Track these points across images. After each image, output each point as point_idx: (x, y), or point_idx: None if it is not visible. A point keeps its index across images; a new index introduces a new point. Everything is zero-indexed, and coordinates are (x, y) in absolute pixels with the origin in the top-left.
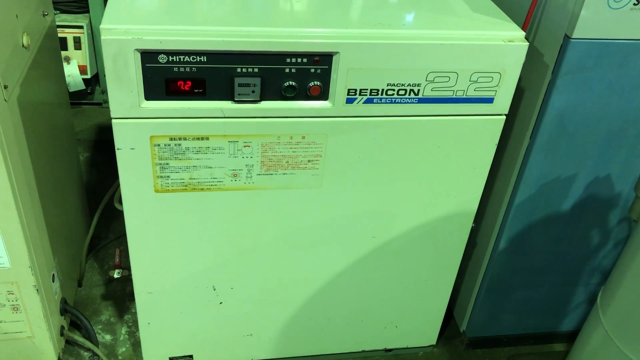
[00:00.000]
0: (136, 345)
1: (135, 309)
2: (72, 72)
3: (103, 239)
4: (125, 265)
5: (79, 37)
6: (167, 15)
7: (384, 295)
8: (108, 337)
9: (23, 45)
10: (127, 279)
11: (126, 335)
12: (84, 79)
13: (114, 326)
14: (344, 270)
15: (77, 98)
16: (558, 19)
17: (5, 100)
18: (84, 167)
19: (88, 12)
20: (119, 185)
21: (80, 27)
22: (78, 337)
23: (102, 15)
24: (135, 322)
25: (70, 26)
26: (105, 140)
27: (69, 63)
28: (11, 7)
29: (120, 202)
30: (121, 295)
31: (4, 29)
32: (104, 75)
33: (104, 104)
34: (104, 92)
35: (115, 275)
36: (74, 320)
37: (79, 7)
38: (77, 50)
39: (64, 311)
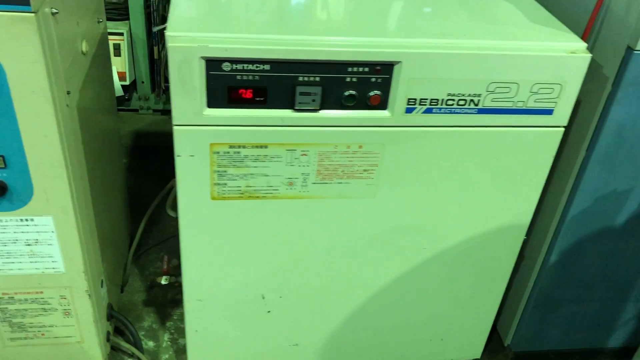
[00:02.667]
0: (179, 352)
1: (177, 315)
2: None
3: (143, 245)
4: (172, 273)
5: (119, 44)
6: (229, 23)
7: (432, 308)
8: (151, 344)
9: (82, 51)
10: (169, 286)
11: (169, 342)
12: (122, 86)
13: (156, 332)
14: (393, 282)
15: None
16: (619, 30)
17: (67, 105)
18: (123, 172)
19: (128, 19)
20: (168, 191)
21: (121, 34)
22: (124, 343)
23: (142, 22)
24: (177, 329)
25: (111, 33)
26: (142, 147)
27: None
28: (74, 15)
29: (173, 209)
30: (162, 302)
31: (68, 36)
32: (142, 82)
33: (140, 111)
34: (141, 98)
35: (163, 282)
36: (117, 326)
37: (119, 14)
38: (117, 57)
39: (110, 317)
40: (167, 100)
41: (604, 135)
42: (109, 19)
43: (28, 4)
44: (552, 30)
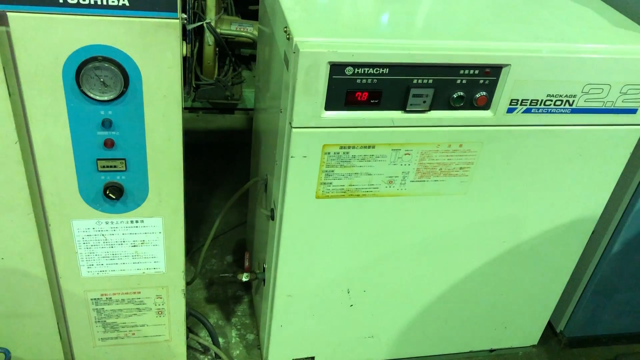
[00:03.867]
0: (248, 348)
1: (240, 312)
2: None
3: (195, 243)
4: (226, 270)
5: None
6: (348, 28)
7: (500, 298)
8: (220, 341)
9: (185, 54)
10: (227, 282)
11: (237, 338)
12: None
13: (223, 329)
14: (470, 274)
15: None
16: None
17: (183, 107)
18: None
19: None
20: (243, 191)
21: None
22: (202, 340)
23: None
24: (243, 325)
25: None
26: None
27: None
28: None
29: (265, 207)
30: (224, 299)
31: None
32: None
33: None
34: None
35: (244, 279)
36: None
37: None
38: None
39: (188, 314)
40: (196, 98)
41: None
42: None
43: (175, 10)
44: (635, 33)
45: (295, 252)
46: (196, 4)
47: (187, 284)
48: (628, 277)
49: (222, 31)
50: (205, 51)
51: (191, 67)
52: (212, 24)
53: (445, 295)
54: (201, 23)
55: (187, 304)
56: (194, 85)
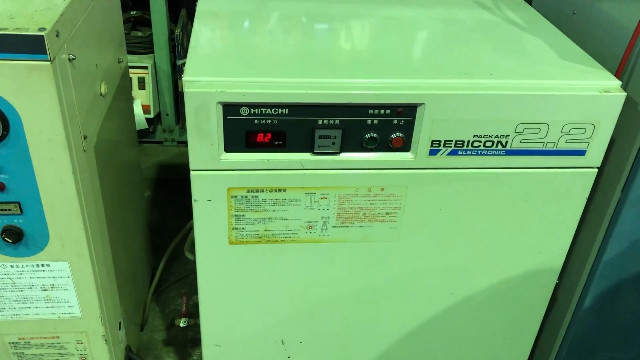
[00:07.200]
0: None
1: (197, 356)
2: (136, 112)
3: (164, 282)
4: (191, 313)
5: (144, 78)
6: (247, 67)
7: (459, 355)
8: None
9: (101, 94)
10: (189, 325)
11: None
12: (146, 119)
13: None
14: (418, 327)
15: (139, 136)
16: None
17: (84, 150)
18: (144, 206)
19: (152, 52)
20: (187, 232)
21: (145, 67)
22: None
23: (167, 55)
24: None
25: (135, 67)
26: (166, 179)
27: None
28: (92, 58)
29: (191, 252)
30: (183, 341)
31: (86, 79)
32: (167, 114)
33: (165, 143)
34: (166, 130)
35: (182, 324)
36: None
37: (144, 47)
38: (141, 90)
39: (127, 358)
40: None
41: None
42: (133, 53)
43: (45, 53)
44: (583, 67)
45: (217, 300)
46: (185, 39)
47: (141, 326)
48: (609, 334)
49: None
50: None
51: (184, 102)
52: None
53: (393, 350)
54: None
55: (127, 348)
56: None
